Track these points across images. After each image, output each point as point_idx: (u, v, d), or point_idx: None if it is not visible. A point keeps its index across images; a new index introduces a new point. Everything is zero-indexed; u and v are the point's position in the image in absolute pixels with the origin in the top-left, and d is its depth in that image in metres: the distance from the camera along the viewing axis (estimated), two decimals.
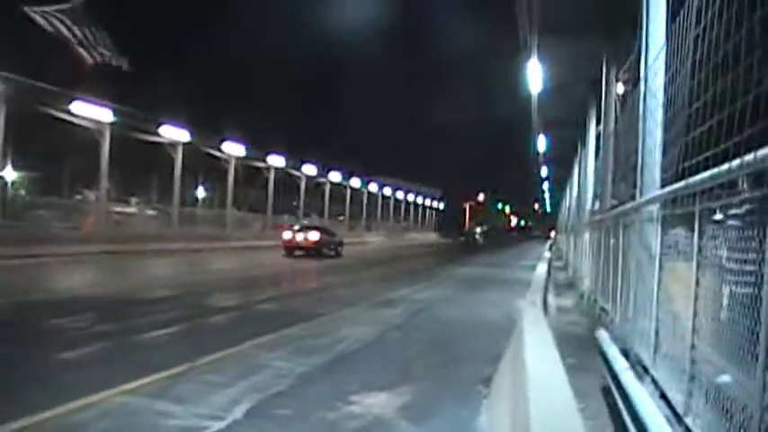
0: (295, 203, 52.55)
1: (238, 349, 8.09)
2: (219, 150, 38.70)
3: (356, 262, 29.23)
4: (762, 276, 2.71)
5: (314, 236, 31.02)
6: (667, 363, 4.54)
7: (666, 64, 5.37)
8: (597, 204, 13.53)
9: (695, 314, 3.84)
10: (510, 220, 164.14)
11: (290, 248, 30.55)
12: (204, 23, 74.87)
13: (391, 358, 8.18)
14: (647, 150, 5.91)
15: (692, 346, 3.82)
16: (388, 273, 23.66)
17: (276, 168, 45.70)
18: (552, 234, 67.50)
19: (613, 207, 9.73)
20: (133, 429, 5.06)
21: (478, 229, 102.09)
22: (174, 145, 33.85)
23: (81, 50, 28.71)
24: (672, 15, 5.52)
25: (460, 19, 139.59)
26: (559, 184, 38.77)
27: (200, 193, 46.83)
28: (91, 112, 27.25)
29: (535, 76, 14.65)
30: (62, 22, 27.97)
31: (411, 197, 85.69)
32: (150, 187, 40.76)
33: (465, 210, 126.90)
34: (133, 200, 36.80)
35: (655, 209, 5.34)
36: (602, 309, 10.19)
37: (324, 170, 53.68)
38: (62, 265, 19.86)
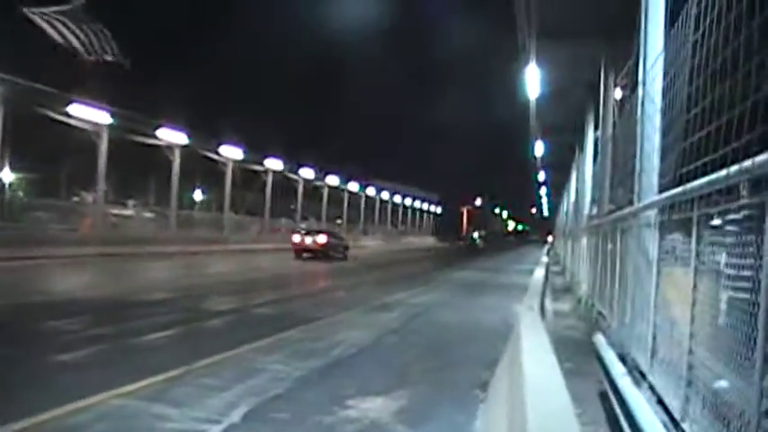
0: (293, 207, 52.56)
1: (235, 352, 8.07)
2: (217, 153, 38.74)
3: (354, 266, 29.25)
4: (759, 282, 2.71)
5: (322, 239, 32.51)
6: (664, 368, 4.54)
7: (665, 69, 5.38)
8: (595, 209, 13.55)
9: (692, 319, 3.84)
10: (507, 225, 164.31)
11: (300, 251, 31.79)
12: (203, 26, 75.01)
13: (388, 362, 8.17)
14: (645, 155, 5.92)
15: (690, 352, 3.81)
16: (386, 277, 23.64)
17: (274, 171, 45.72)
18: (550, 239, 67.55)
19: (611, 212, 9.73)
20: None
21: (476, 234, 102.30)
22: (171, 147, 33.85)
23: (80, 51, 28.62)
24: (670, 21, 5.53)
25: (459, 23, 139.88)
26: (557, 189, 38.81)
27: (198, 195, 46.81)
28: (88, 114, 27.23)
29: (533, 80, 14.68)
30: (62, 23, 27.90)
31: (409, 201, 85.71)
32: (148, 190, 40.74)
33: (462, 214, 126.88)
34: (130, 202, 36.80)
35: (652, 214, 5.35)
36: (600, 313, 10.19)
37: (321, 173, 53.68)
38: (59, 267, 19.83)
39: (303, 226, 43.08)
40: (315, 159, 51.73)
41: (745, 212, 3.02)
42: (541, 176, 38.35)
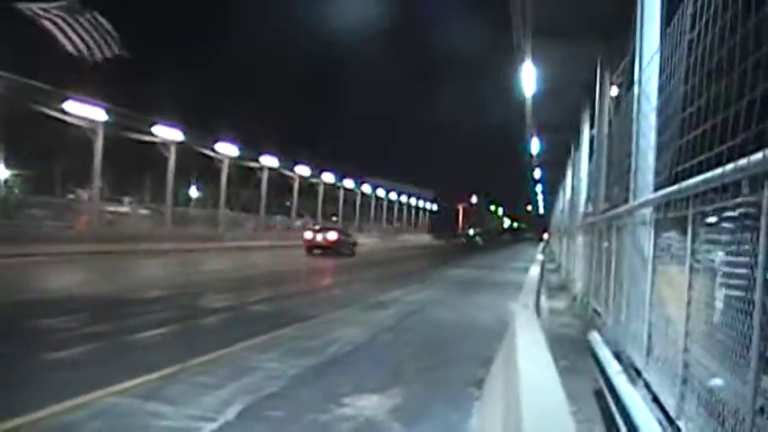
0: (288, 204, 52.50)
1: (230, 350, 8.06)
2: (213, 150, 38.62)
3: (349, 263, 29.24)
4: (754, 280, 2.71)
5: (332, 236, 34.66)
6: (660, 366, 4.54)
7: (660, 68, 5.38)
8: (590, 207, 13.56)
9: (688, 317, 3.84)
10: (503, 222, 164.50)
11: (311, 247, 33.69)
12: (200, 23, 74.74)
13: (383, 360, 8.17)
14: (641, 154, 5.92)
15: (685, 350, 3.82)
16: (381, 274, 23.66)
17: (270, 169, 45.64)
18: (545, 236, 67.58)
19: (606, 210, 9.73)
20: (125, 430, 5.04)
21: (471, 231, 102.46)
22: (167, 144, 33.74)
23: (79, 46, 28.48)
24: (666, 19, 5.54)
25: (455, 22, 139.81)
26: (553, 187, 38.86)
27: (193, 192, 46.71)
28: (84, 110, 27.10)
29: (529, 78, 14.69)
30: (59, 18, 27.76)
31: (404, 199, 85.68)
32: (143, 187, 40.70)
33: (458, 211, 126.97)
34: (126, 199, 36.75)
35: (648, 212, 5.35)
36: (595, 311, 10.20)
37: (317, 171, 53.61)
38: (54, 265, 19.77)
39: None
40: (311, 157, 51.72)
41: (741, 210, 3.02)
42: (537, 174, 38.40)
